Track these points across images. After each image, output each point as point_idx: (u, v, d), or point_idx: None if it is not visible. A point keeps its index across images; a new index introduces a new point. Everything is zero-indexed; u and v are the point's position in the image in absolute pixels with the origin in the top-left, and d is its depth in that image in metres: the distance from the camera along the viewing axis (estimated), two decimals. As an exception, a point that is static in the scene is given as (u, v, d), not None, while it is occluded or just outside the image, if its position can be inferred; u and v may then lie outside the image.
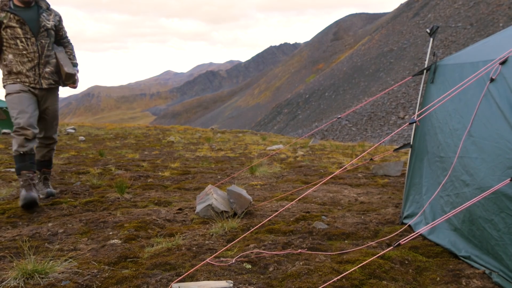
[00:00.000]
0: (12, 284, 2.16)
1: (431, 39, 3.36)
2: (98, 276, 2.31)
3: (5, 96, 3.97)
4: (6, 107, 14.96)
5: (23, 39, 3.92)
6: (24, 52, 3.94)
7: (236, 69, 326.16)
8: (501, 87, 2.35)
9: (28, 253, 2.50)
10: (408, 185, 3.45)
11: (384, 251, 2.24)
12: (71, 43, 4.55)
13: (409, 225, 3.26)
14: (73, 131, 17.25)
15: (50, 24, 4.15)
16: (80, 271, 2.37)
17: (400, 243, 1.96)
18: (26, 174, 3.89)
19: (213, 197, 3.71)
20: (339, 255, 2.66)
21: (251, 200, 3.84)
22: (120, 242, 2.95)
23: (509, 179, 1.94)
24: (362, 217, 3.65)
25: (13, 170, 6.38)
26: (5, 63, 3.98)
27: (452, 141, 2.79)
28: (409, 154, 3.48)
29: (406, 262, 2.54)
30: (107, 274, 2.34)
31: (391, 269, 2.40)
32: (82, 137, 13.46)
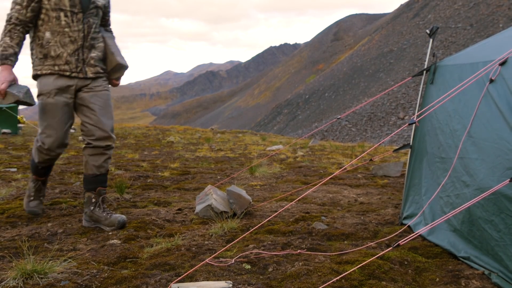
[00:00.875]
0: (11, 284, 2.16)
1: (431, 40, 3.37)
2: (98, 276, 2.31)
3: (37, 96, 3.21)
4: (5, 107, 14.93)
5: (68, 13, 3.06)
6: (67, 29, 3.07)
7: (236, 70, 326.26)
8: (501, 88, 2.35)
9: (27, 253, 2.50)
10: (408, 186, 3.45)
11: (384, 252, 2.24)
12: (112, 32, 3.64)
13: (409, 226, 3.26)
14: (73, 131, 17.24)
15: (101, 1, 3.29)
16: (80, 271, 2.37)
17: (399, 243, 1.96)
18: (101, 192, 3.34)
19: (212, 197, 3.71)
20: (339, 255, 2.66)
21: (251, 201, 3.84)
22: (119, 242, 2.95)
23: (509, 179, 1.94)
24: (362, 218, 3.65)
25: (13, 170, 6.38)
26: (40, 42, 3.12)
27: (453, 142, 2.79)
28: (408, 155, 3.48)
29: (406, 262, 2.54)
30: (106, 274, 2.34)
31: (390, 269, 2.40)
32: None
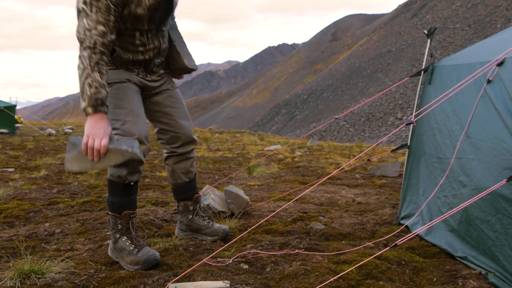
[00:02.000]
0: (8, 284, 2.15)
1: (429, 40, 3.37)
2: (95, 276, 2.31)
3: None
4: (2, 107, 14.90)
5: (144, 32, 2.48)
6: (141, 48, 2.52)
7: (234, 70, 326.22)
8: (498, 89, 2.36)
9: (24, 253, 2.50)
10: (406, 186, 3.45)
11: (381, 252, 2.24)
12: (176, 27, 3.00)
13: (406, 226, 3.26)
14: (70, 131, 17.24)
15: (176, 2, 2.64)
16: (77, 271, 2.37)
17: (397, 243, 1.97)
18: (131, 215, 2.56)
19: (210, 197, 3.71)
20: (336, 255, 2.66)
21: (249, 201, 3.84)
22: (117, 242, 2.94)
23: (506, 180, 1.95)
24: (360, 218, 3.65)
25: (10, 170, 6.35)
26: None
27: (450, 142, 2.79)
28: (406, 155, 3.48)
29: (403, 262, 2.54)
30: (104, 274, 2.34)
31: (388, 269, 2.41)
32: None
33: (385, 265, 2.44)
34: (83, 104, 2.17)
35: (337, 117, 4.24)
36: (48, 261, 2.41)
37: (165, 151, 2.93)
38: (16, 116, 16.15)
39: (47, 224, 3.38)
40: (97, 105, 2.16)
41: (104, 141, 2.12)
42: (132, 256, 2.48)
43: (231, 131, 20.23)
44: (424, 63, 3.40)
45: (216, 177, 6.16)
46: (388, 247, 2.04)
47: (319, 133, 44.61)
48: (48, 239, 3.01)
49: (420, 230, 2.29)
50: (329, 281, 2.12)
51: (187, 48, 2.78)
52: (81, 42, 2.20)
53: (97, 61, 2.19)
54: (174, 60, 2.77)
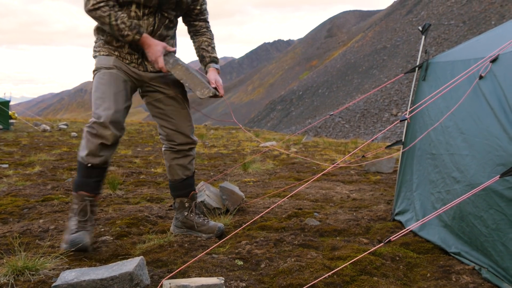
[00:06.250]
0: (2, 281, 2.15)
1: (423, 37, 3.38)
2: (89, 272, 2.30)
3: (93, 72, 2.75)
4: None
5: (141, 6, 2.59)
6: (136, 21, 2.60)
7: (229, 66, 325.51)
8: (491, 85, 2.37)
9: (18, 249, 2.49)
10: (400, 182, 3.47)
11: (375, 248, 2.25)
12: (210, 29, 3.05)
13: (400, 222, 3.28)
14: (65, 127, 17.16)
15: None
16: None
17: (391, 239, 1.97)
18: (85, 197, 2.64)
19: (205, 193, 3.71)
20: (331, 251, 2.67)
21: (244, 197, 3.84)
22: (111, 238, 2.94)
23: (498, 176, 1.96)
24: (354, 214, 3.67)
25: (4, 166, 6.33)
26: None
27: (444, 138, 2.80)
28: (401, 151, 3.49)
29: (397, 258, 2.55)
30: (98, 270, 2.33)
31: (382, 265, 2.42)
32: (74, 133, 13.39)
33: (379, 261, 2.45)
34: (130, 37, 2.53)
35: (332, 113, 4.25)
36: (42, 258, 2.39)
37: (164, 145, 2.98)
38: (10, 112, 16.06)
39: (41, 221, 3.37)
40: (139, 30, 2.53)
41: (161, 61, 2.57)
42: (67, 235, 2.59)
43: (226, 127, 20.21)
44: (418, 60, 3.41)
45: (211, 173, 6.16)
46: (382, 243, 2.05)
47: (314, 129, 44.65)
48: (42, 235, 3.00)
49: (414, 226, 2.29)
50: (323, 277, 2.13)
51: (198, 78, 2.69)
52: (93, 4, 2.48)
53: (114, 5, 2.51)
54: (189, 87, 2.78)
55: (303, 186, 2.89)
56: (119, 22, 2.48)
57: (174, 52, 2.68)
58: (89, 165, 2.60)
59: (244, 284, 2.16)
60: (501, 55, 2.37)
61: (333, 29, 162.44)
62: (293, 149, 10.05)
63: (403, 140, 3.46)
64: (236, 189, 3.83)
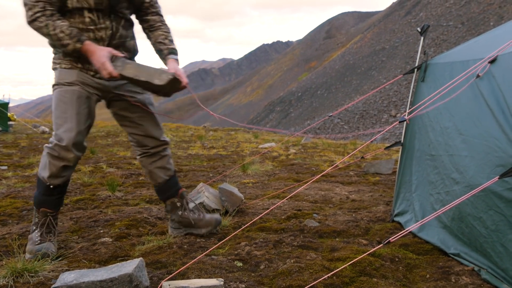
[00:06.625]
0: (1, 283, 2.14)
1: (422, 38, 3.38)
2: (89, 274, 2.30)
3: (53, 86, 2.64)
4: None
5: (93, 10, 2.50)
6: (92, 27, 2.52)
7: (228, 67, 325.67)
8: (490, 86, 2.37)
9: (18, 251, 2.48)
10: (399, 183, 3.47)
11: (375, 249, 2.25)
12: (165, 23, 2.88)
13: (400, 223, 3.28)
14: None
15: None
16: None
17: (390, 240, 1.97)
18: (47, 213, 2.66)
19: (204, 195, 3.71)
20: (330, 252, 2.67)
21: (243, 198, 3.84)
22: (111, 240, 2.94)
23: (497, 177, 1.96)
24: (353, 215, 3.67)
25: (3, 168, 6.33)
26: None
27: (443, 139, 2.81)
28: (400, 152, 3.50)
29: (396, 259, 2.56)
30: (97, 272, 2.33)
31: (381, 266, 2.42)
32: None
33: (378, 262, 2.45)
34: (70, 46, 2.41)
35: (331, 114, 4.25)
36: (41, 260, 2.39)
37: (137, 152, 2.93)
38: (9, 114, 16.04)
39: (40, 223, 3.36)
40: (79, 37, 2.42)
41: (108, 67, 2.41)
42: (31, 246, 2.57)
43: (225, 128, 20.21)
44: (417, 61, 3.42)
45: (210, 174, 6.15)
46: (382, 244, 2.05)
47: (313, 130, 44.66)
48: (41, 237, 2.99)
49: (413, 227, 2.30)
50: (322, 278, 2.13)
51: (152, 68, 2.54)
52: (30, 9, 2.38)
53: (52, 14, 2.40)
54: (143, 85, 2.62)
55: (302, 187, 2.89)
56: (57, 31, 2.39)
57: (122, 57, 2.53)
58: (51, 186, 2.62)
59: (243, 286, 2.16)
60: (499, 56, 2.38)
61: (331, 30, 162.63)
62: (292, 151, 10.04)
63: (402, 141, 3.46)
64: (235, 190, 3.83)
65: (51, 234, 2.67)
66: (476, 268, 2.33)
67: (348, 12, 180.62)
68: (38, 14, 2.38)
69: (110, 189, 4.56)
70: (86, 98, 2.60)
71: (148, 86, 2.52)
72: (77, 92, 2.57)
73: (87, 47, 2.43)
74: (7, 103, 15.65)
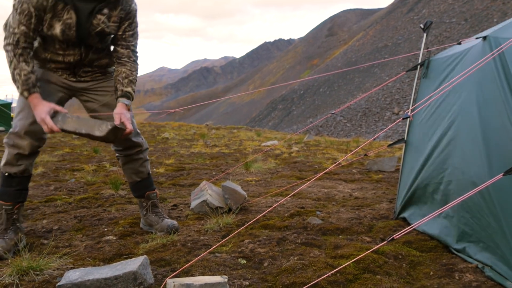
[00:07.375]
0: (7, 281, 2.16)
1: (425, 35, 3.38)
2: (93, 272, 2.31)
3: None
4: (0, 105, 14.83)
5: (64, 41, 2.60)
6: (60, 52, 2.65)
7: (230, 65, 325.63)
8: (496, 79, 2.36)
9: (23, 250, 2.50)
10: (402, 180, 3.46)
11: (378, 246, 2.25)
12: (134, 59, 2.82)
13: (404, 218, 3.28)
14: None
15: (111, 27, 2.65)
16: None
17: (393, 237, 1.98)
18: (3, 206, 2.68)
19: (207, 193, 3.72)
20: (334, 250, 2.68)
21: (246, 196, 3.85)
22: (115, 238, 2.95)
23: (502, 174, 1.96)
24: (357, 212, 3.67)
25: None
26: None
27: (446, 133, 2.80)
28: (403, 150, 3.49)
29: (400, 256, 2.56)
30: (102, 270, 2.34)
31: (385, 263, 2.42)
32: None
33: (382, 259, 2.45)
34: (19, 90, 2.50)
35: (333, 112, 4.25)
36: (46, 258, 2.41)
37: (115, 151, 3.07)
38: (12, 114, 16.08)
39: (44, 221, 3.39)
40: (30, 88, 2.47)
41: (49, 122, 2.42)
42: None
43: (227, 127, 20.22)
44: (420, 58, 3.41)
45: (213, 173, 6.16)
46: (385, 242, 2.05)
47: (316, 128, 44.61)
48: (46, 235, 3.01)
49: (417, 224, 2.29)
50: (326, 275, 2.13)
51: (91, 120, 2.54)
52: (5, 37, 2.48)
53: (21, 53, 2.48)
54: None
55: (305, 185, 2.89)
56: (16, 72, 2.46)
57: (64, 112, 2.54)
58: (6, 174, 2.68)
59: (247, 283, 2.17)
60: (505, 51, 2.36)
61: (334, 27, 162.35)
62: (295, 148, 10.05)
63: (405, 139, 3.45)
64: (238, 188, 3.84)
65: (6, 230, 2.67)
66: (480, 265, 2.32)
67: (350, 10, 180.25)
68: (8, 48, 2.48)
69: (113, 187, 4.58)
70: (48, 93, 2.65)
71: (90, 137, 2.54)
72: (41, 83, 2.63)
73: (32, 100, 2.49)
74: (10, 103, 15.68)
